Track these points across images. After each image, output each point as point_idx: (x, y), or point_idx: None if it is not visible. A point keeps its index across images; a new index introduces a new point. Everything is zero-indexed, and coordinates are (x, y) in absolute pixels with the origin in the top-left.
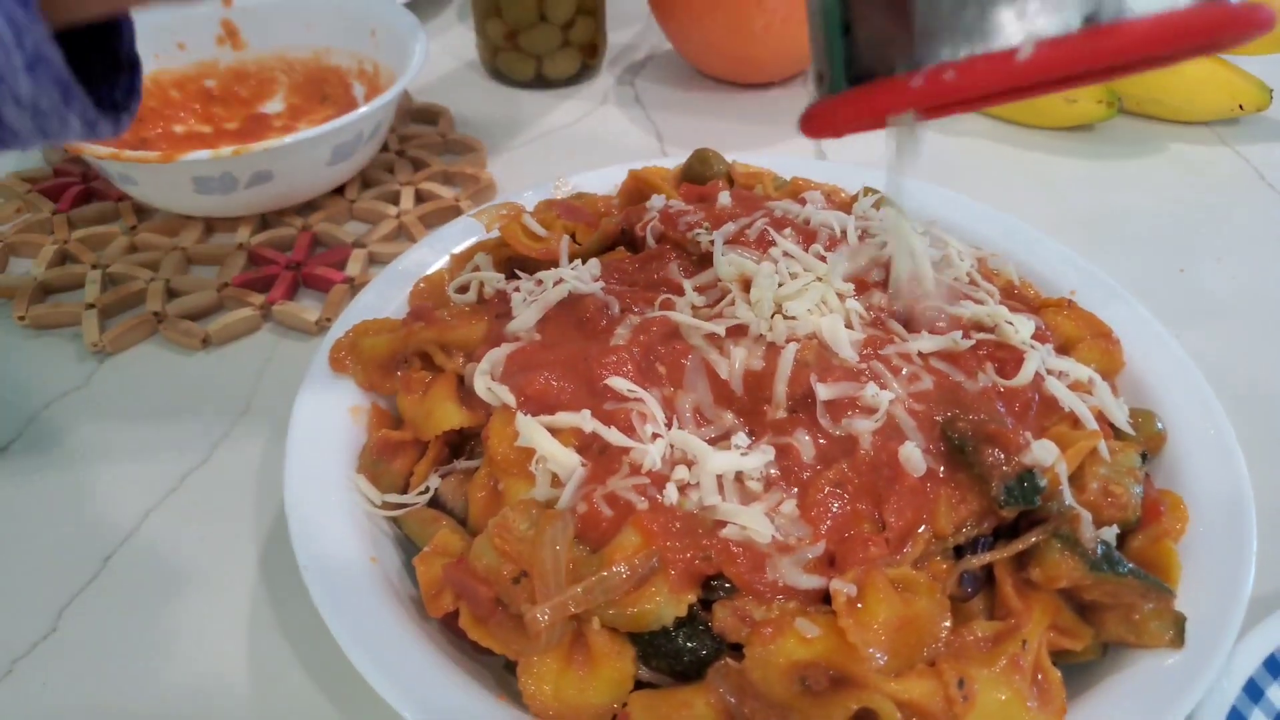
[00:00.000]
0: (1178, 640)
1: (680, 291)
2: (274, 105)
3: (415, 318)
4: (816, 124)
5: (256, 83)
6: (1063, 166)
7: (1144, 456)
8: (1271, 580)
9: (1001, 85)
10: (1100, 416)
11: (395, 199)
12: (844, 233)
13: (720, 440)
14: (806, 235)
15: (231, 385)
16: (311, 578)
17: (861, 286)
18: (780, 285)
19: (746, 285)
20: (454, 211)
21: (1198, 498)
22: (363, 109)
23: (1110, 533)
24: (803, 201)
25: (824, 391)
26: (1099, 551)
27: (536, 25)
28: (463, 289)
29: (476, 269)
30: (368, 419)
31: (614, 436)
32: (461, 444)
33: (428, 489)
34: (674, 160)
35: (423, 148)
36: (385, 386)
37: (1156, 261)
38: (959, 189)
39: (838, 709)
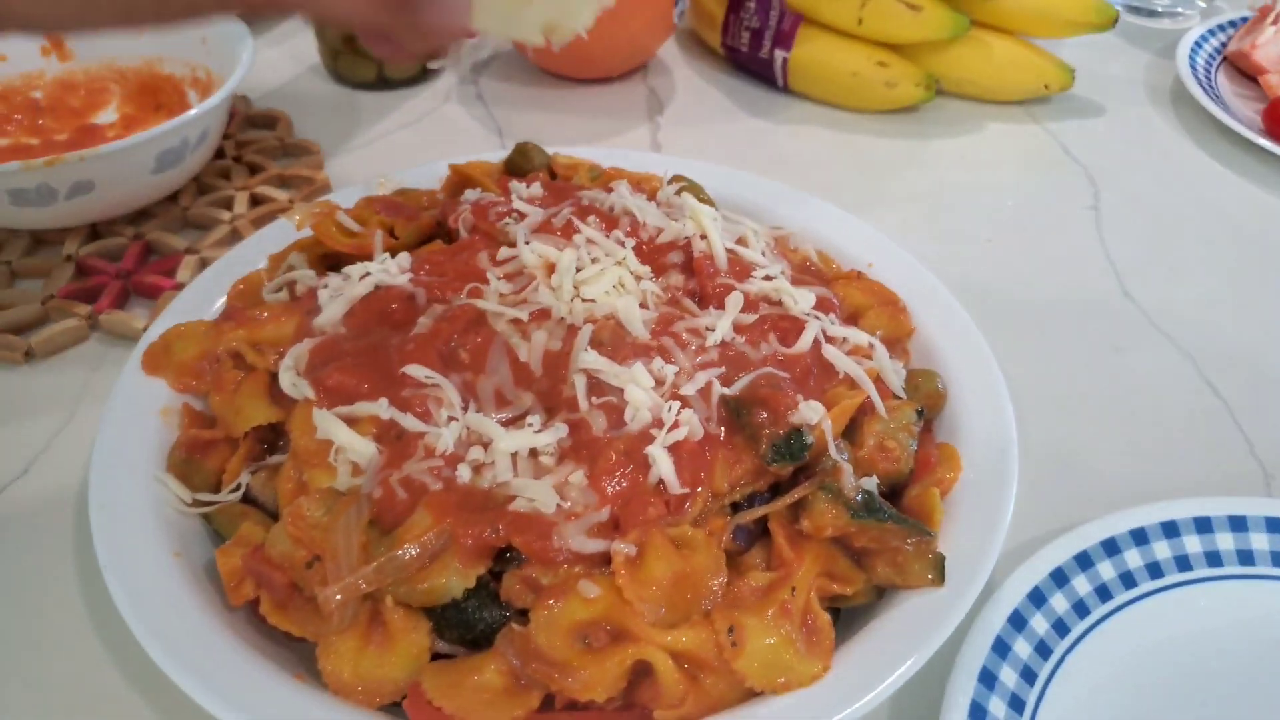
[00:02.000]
0: (938, 579)
1: (487, 280)
2: (107, 116)
3: (227, 318)
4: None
5: (87, 93)
6: (887, 148)
7: (920, 413)
8: (1045, 522)
9: None
10: (881, 378)
11: (229, 204)
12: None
13: (517, 420)
14: (610, 221)
15: (55, 397)
16: (111, 576)
17: (660, 268)
18: (580, 270)
19: (551, 270)
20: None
21: (971, 449)
22: (185, 115)
23: (871, 482)
24: (610, 190)
25: (608, 370)
26: (860, 500)
27: None
28: (278, 288)
29: (290, 268)
30: (179, 420)
31: (409, 422)
32: (275, 440)
33: (239, 485)
34: (485, 155)
35: (260, 152)
36: (198, 387)
37: (967, 233)
38: (790, 174)
39: (615, 663)
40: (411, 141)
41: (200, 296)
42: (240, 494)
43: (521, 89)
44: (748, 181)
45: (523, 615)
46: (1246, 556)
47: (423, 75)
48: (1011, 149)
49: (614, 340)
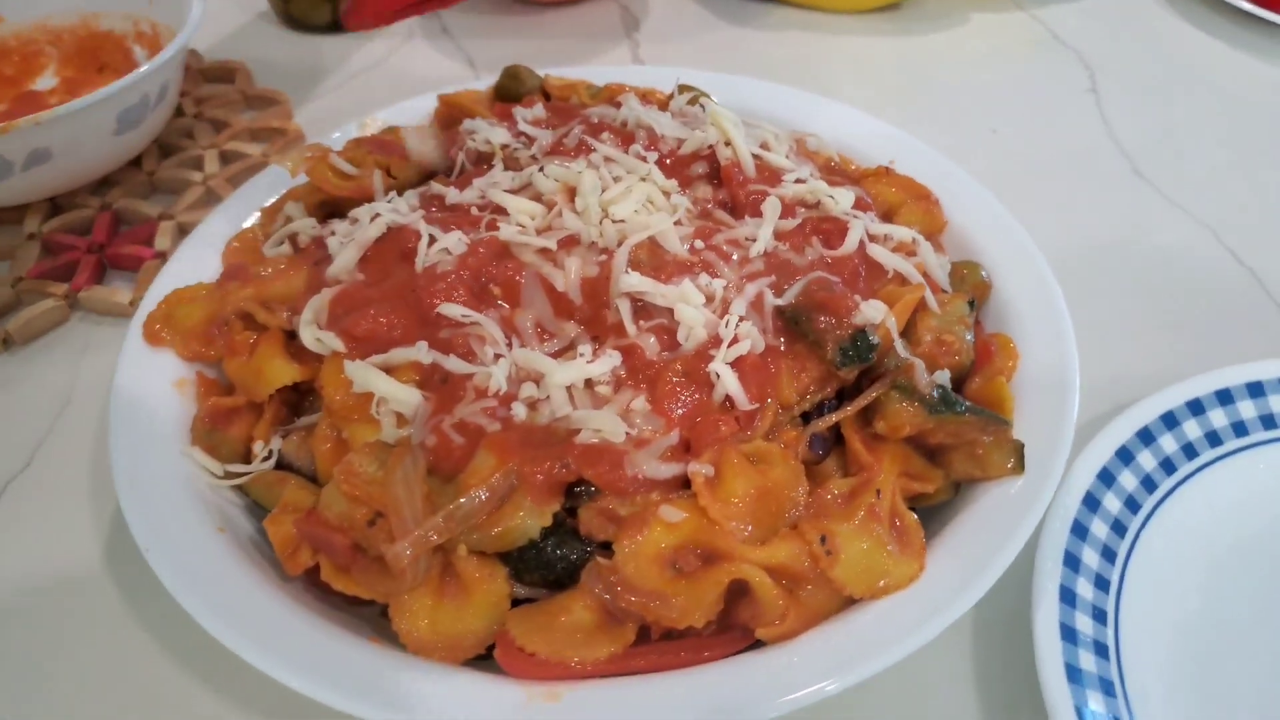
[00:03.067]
0: (1019, 467)
1: (505, 212)
2: (46, 81)
3: (229, 278)
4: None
5: (20, 58)
6: (875, 47)
7: (972, 304)
8: (1097, 404)
9: None
10: (928, 273)
11: (199, 164)
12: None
13: (565, 352)
14: (625, 138)
15: (44, 384)
16: (156, 559)
17: (685, 181)
18: (604, 190)
19: (572, 195)
20: (264, 168)
21: (1025, 335)
22: (144, 68)
23: (944, 376)
24: (618, 105)
25: (655, 293)
26: (936, 395)
27: None
28: (279, 242)
29: (288, 219)
30: (195, 390)
31: (454, 364)
32: (299, 400)
33: (271, 452)
34: (488, 84)
35: (222, 107)
36: (209, 354)
37: (969, 126)
38: (780, 81)
39: (710, 586)
40: (380, 82)
41: (194, 259)
42: (273, 461)
43: (488, 18)
44: (752, 86)
45: (605, 548)
46: None
47: None
48: (1000, 38)
49: (652, 260)
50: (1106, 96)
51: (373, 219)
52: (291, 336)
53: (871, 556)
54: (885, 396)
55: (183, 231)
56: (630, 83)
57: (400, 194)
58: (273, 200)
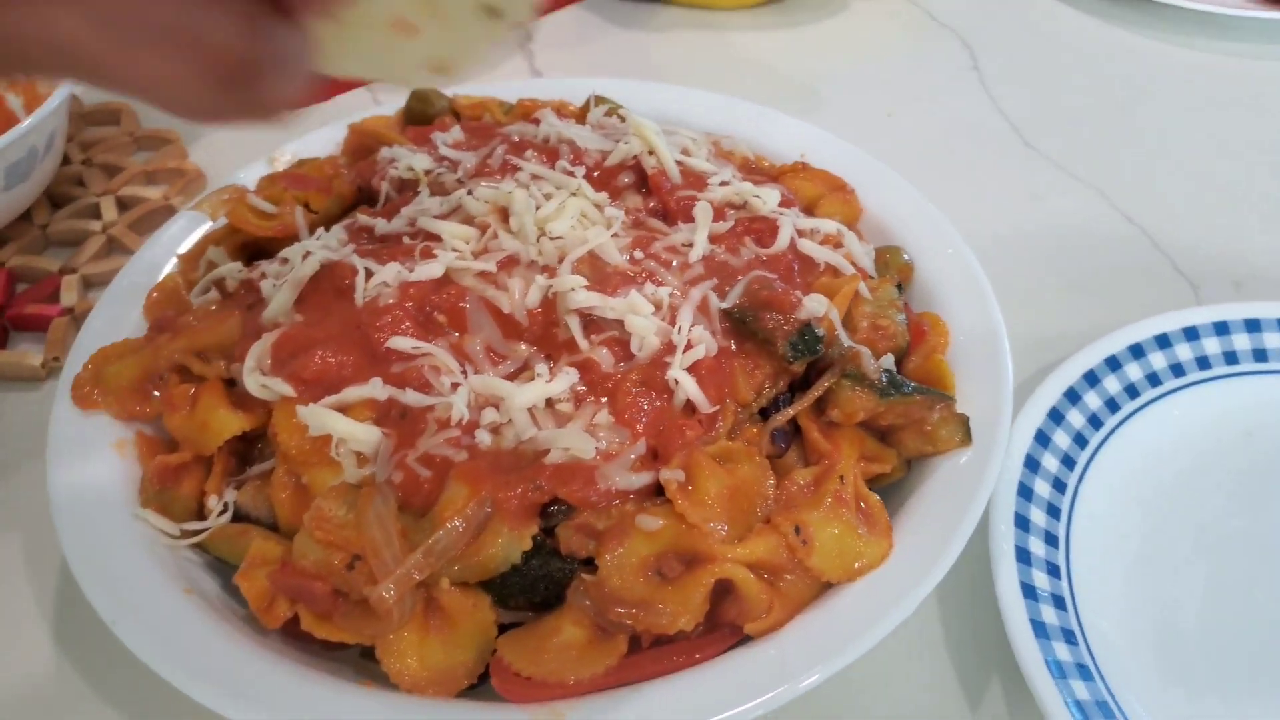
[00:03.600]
0: (966, 438)
1: (437, 238)
2: None
3: (158, 330)
4: None
5: None
6: (764, 41)
7: (900, 288)
8: (1021, 369)
9: None
10: (855, 262)
11: (96, 212)
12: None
13: (521, 373)
14: (549, 154)
15: None
16: (125, 631)
17: (614, 192)
18: (538, 208)
19: (504, 215)
20: (167, 212)
21: (952, 311)
22: (32, 118)
23: (889, 361)
24: (536, 121)
25: (605, 306)
26: (884, 380)
27: None
28: (205, 289)
29: (211, 264)
30: (135, 451)
31: (412, 398)
32: (247, 449)
33: (226, 505)
34: (392, 108)
35: (111, 151)
36: (145, 411)
37: (866, 111)
38: (677, 81)
39: (695, 588)
40: None
41: (113, 315)
42: (229, 514)
43: None
44: (663, 92)
45: (587, 564)
46: (1204, 362)
47: None
48: (881, 24)
49: (595, 274)
50: (989, 73)
51: (304, 257)
52: (231, 385)
53: (844, 540)
54: (836, 385)
55: (88, 285)
56: (539, 97)
57: (325, 228)
58: (188, 246)
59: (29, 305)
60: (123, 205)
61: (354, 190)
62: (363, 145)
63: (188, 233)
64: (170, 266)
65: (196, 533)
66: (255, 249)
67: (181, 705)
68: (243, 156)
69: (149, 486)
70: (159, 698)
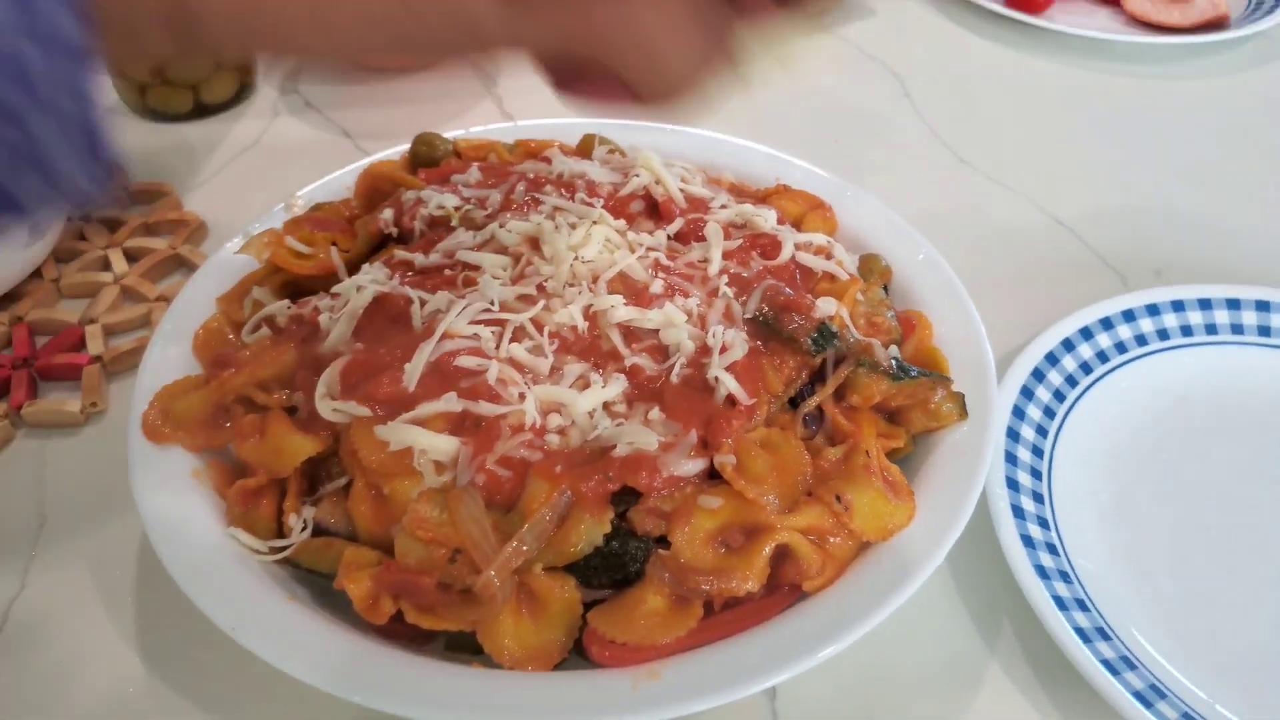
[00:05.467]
0: (964, 413)
1: (477, 268)
2: None
3: (219, 366)
4: None
5: None
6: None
7: (886, 289)
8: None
9: None
10: (845, 268)
11: (105, 265)
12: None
13: (577, 382)
14: (565, 187)
15: (10, 507)
16: (245, 636)
17: (629, 219)
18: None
19: (534, 244)
20: (175, 260)
21: (931, 307)
22: None
23: (895, 350)
24: (547, 160)
25: (644, 319)
26: (894, 366)
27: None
28: (255, 326)
29: (258, 304)
30: (211, 479)
31: (486, 408)
32: (314, 470)
33: (306, 522)
34: (377, 155)
35: (109, 206)
36: (215, 441)
37: (815, 139)
38: (638, 118)
39: (757, 555)
40: (261, 162)
41: (165, 357)
42: (310, 529)
43: (347, 90)
44: (650, 130)
45: (660, 542)
46: (1142, 339)
47: (239, 96)
48: (818, 59)
49: (627, 291)
50: (919, 99)
51: (358, 290)
52: (291, 411)
53: (876, 505)
54: (854, 374)
55: (109, 333)
56: (532, 138)
57: (355, 267)
58: (226, 289)
59: (57, 355)
60: (129, 257)
61: (379, 230)
62: (375, 188)
63: (216, 277)
64: (203, 310)
65: (282, 549)
66: (295, 287)
67: (273, 709)
68: (242, 203)
69: (233, 508)
70: (251, 703)
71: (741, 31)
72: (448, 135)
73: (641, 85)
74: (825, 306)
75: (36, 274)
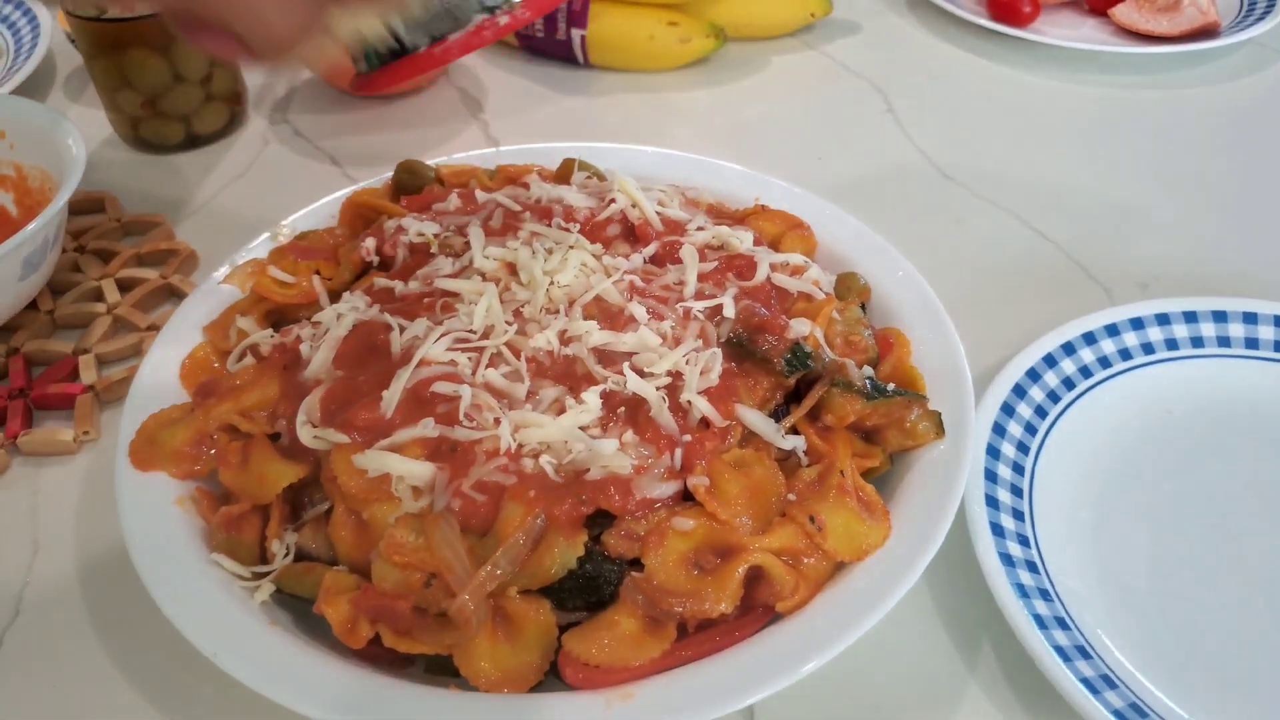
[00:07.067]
0: (940, 432)
1: (455, 295)
2: None
3: (204, 395)
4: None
5: None
6: (696, 99)
7: (863, 307)
8: (971, 369)
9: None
10: (821, 288)
11: (98, 295)
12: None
13: (551, 406)
14: (542, 213)
15: (5, 533)
16: (226, 661)
17: (605, 243)
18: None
19: (512, 269)
20: (167, 291)
21: (909, 325)
22: (46, 212)
23: (869, 370)
24: (526, 185)
25: (619, 343)
26: (868, 385)
27: (174, 87)
28: (240, 355)
29: (242, 333)
30: (194, 505)
31: (462, 433)
32: (296, 496)
33: (288, 547)
34: (363, 183)
35: (102, 237)
36: (200, 470)
37: (798, 156)
38: (623, 142)
39: (731, 576)
40: (251, 191)
41: (153, 386)
42: (293, 555)
43: (336, 116)
44: (632, 152)
45: (634, 564)
46: (1126, 354)
47: (230, 125)
48: (800, 76)
49: (602, 315)
50: (902, 114)
51: (337, 319)
52: (274, 438)
53: (851, 525)
54: (828, 394)
55: (102, 362)
56: (512, 163)
57: (340, 294)
58: (211, 319)
59: (51, 385)
60: (122, 287)
61: (361, 258)
62: (359, 215)
63: (203, 306)
64: (194, 338)
65: (264, 574)
66: (278, 316)
67: None
68: (233, 234)
69: (217, 535)
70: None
71: (334, 9)
72: (431, 162)
73: (251, 41)
74: (799, 327)
75: (32, 305)
